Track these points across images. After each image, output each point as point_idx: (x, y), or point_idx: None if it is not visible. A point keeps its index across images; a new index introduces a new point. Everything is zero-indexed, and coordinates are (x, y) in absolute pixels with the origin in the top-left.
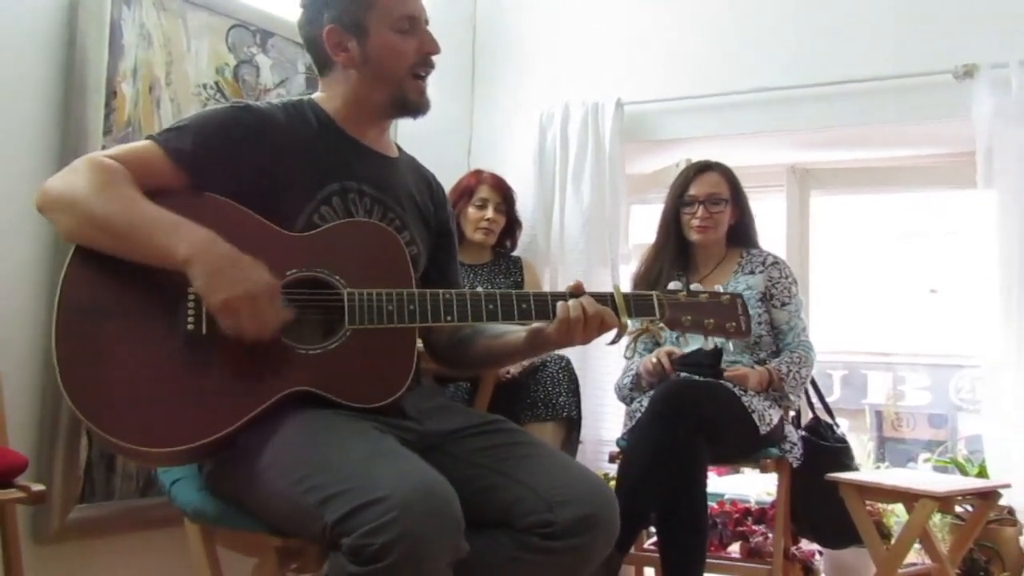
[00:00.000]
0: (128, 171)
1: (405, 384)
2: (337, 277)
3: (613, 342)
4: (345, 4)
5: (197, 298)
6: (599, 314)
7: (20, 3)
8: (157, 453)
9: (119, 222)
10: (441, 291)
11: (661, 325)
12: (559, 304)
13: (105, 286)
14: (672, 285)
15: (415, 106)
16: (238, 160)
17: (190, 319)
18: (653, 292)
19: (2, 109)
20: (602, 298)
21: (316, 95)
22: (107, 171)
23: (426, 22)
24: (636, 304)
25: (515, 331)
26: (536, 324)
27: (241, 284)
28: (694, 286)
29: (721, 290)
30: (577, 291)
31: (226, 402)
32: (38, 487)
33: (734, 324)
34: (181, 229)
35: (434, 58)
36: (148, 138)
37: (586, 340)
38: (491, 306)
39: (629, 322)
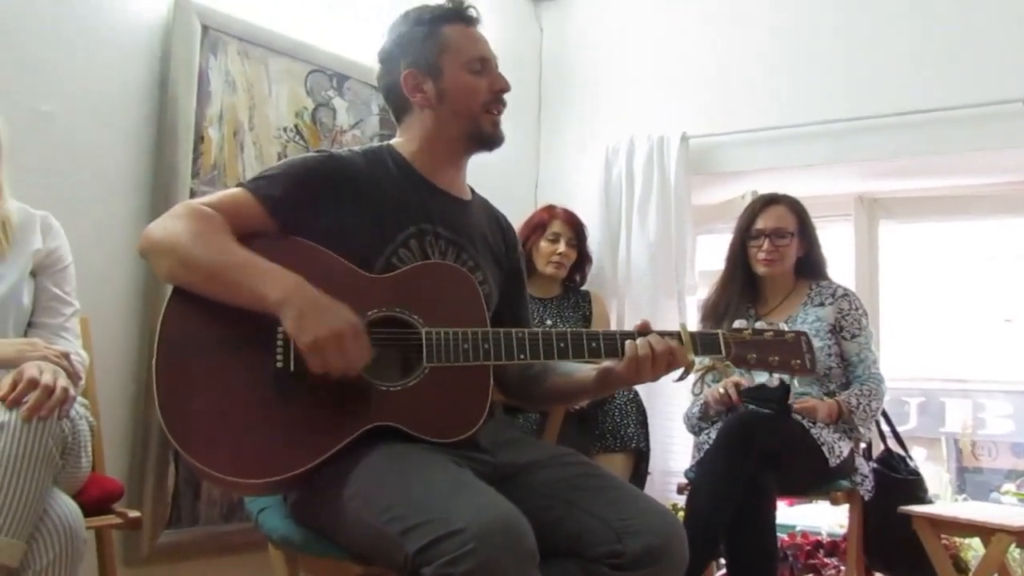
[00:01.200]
0: (224, 218)
1: (481, 419)
2: (416, 316)
3: (680, 379)
4: (420, 48)
5: (286, 337)
6: (667, 352)
7: (116, 55)
8: (246, 484)
9: (216, 267)
10: (514, 330)
11: (727, 363)
12: (628, 343)
13: (201, 324)
14: (737, 323)
15: (489, 138)
16: (323, 206)
17: (279, 357)
18: (719, 331)
19: (100, 154)
20: (669, 336)
21: (394, 141)
22: (205, 219)
23: (496, 65)
24: (702, 342)
25: (584, 369)
26: (606, 363)
27: (327, 325)
28: (759, 324)
29: (787, 325)
30: (644, 330)
31: (312, 436)
32: (134, 513)
33: (799, 361)
34: (274, 275)
35: (504, 96)
36: (239, 185)
37: (655, 377)
38: (562, 345)
39: (696, 359)
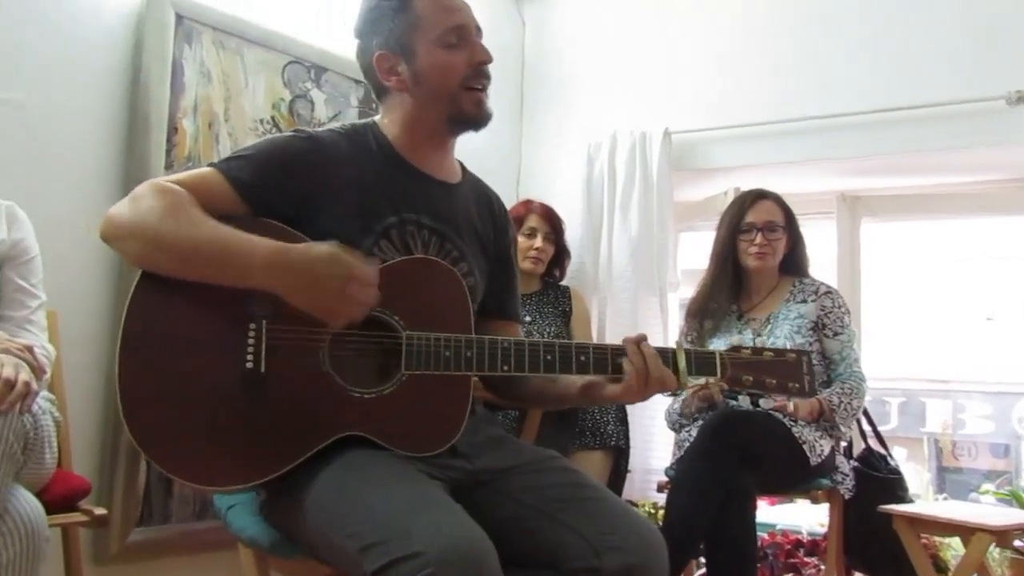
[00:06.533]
0: (192, 196)
1: (458, 432)
2: (396, 318)
3: (672, 395)
4: (391, 28)
5: (257, 335)
6: (661, 377)
7: (87, 43)
8: (211, 489)
9: (190, 245)
10: (500, 339)
11: (722, 384)
12: (624, 362)
13: (166, 321)
14: (735, 340)
15: (472, 118)
16: (298, 190)
17: (249, 357)
18: (716, 351)
19: (69, 144)
20: (664, 353)
21: (378, 119)
22: (171, 195)
23: (477, 32)
24: (698, 362)
25: (570, 377)
26: (592, 377)
27: (331, 289)
28: (759, 341)
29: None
30: (639, 341)
31: (279, 443)
32: (100, 511)
33: (797, 384)
34: (255, 248)
35: (486, 68)
36: (210, 165)
37: (644, 398)
38: (549, 357)
39: (688, 379)
